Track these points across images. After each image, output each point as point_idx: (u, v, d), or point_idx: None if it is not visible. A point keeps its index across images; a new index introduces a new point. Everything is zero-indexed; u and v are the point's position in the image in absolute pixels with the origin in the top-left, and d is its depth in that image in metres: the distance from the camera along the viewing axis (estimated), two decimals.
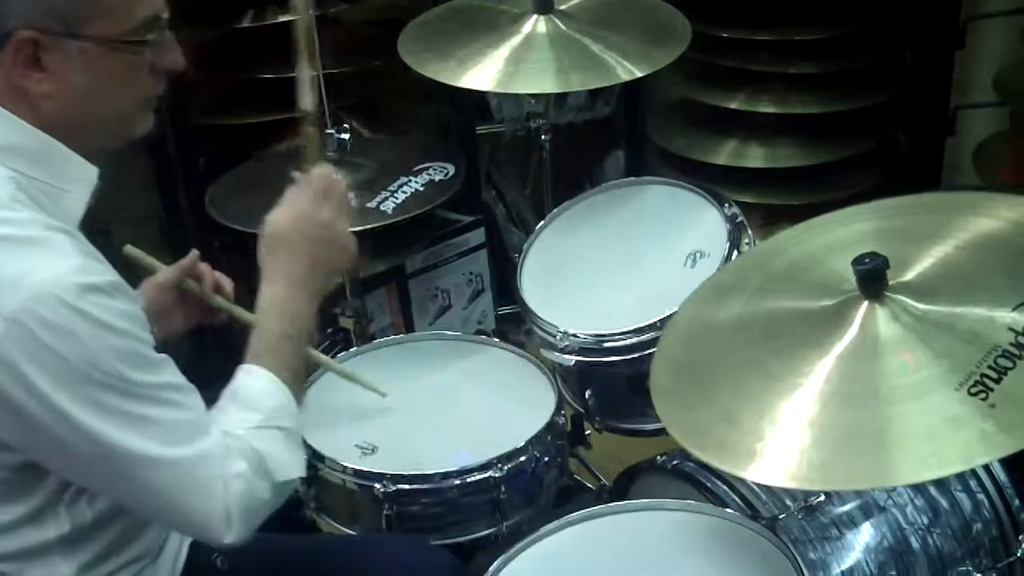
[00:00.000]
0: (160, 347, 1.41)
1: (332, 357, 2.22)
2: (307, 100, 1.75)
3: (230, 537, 1.38)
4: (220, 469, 1.38)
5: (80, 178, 1.42)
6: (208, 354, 3.04)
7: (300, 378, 1.55)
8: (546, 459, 1.99)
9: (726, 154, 3.05)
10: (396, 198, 2.34)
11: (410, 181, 2.40)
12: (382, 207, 2.31)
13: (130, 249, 1.82)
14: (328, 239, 1.62)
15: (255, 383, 1.50)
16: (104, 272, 1.34)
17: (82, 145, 1.41)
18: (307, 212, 1.62)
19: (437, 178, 2.43)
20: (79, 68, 1.36)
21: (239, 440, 1.42)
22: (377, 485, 1.91)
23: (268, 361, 1.51)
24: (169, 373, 1.39)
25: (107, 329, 1.30)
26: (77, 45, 1.35)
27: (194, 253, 1.87)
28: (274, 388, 1.49)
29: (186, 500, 1.37)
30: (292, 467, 1.46)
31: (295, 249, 1.59)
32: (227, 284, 1.89)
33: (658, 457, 1.95)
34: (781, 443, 1.34)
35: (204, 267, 1.87)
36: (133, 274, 1.51)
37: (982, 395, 1.26)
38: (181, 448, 1.36)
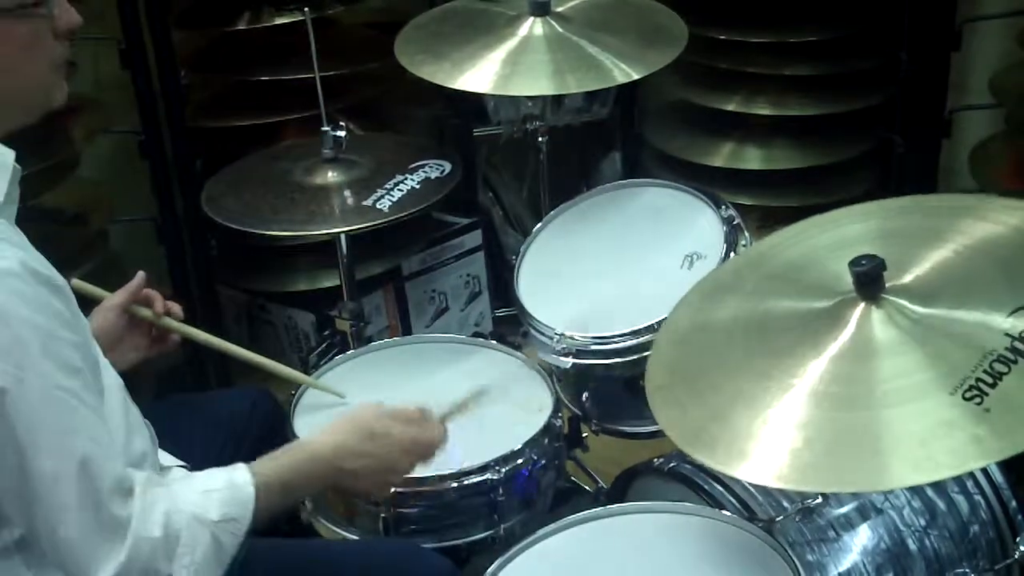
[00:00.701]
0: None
1: (329, 360, 2.22)
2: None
3: (101, 572, 1.34)
4: (116, 502, 1.35)
5: None
6: (203, 358, 3.04)
7: (266, 517, 1.51)
8: (543, 462, 1.99)
9: (723, 156, 3.05)
10: (392, 196, 2.33)
11: (406, 179, 2.39)
12: (378, 205, 2.31)
13: (77, 282, 1.80)
14: (382, 475, 1.65)
15: (234, 487, 1.47)
16: (19, 255, 1.31)
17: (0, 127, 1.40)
18: (400, 447, 1.65)
19: (433, 175, 2.42)
20: None
21: (176, 514, 1.40)
22: None
23: (259, 482, 1.49)
24: (85, 386, 1.36)
25: (17, 318, 1.27)
26: None
27: (140, 275, 1.86)
28: (242, 502, 1.46)
29: (57, 514, 1.33)
30: (194, 574, 1.40)
31: (362, 454, 1.61)
32: (177, 308, 1.89)
33: (655, 459, 1.95)
34: (773, 443, 1.34)
35: (153, 292, 1.86)
36: (84, 305, 1.49)
37: (977, 399, 1.26)
38: (69, 468, 1.32)
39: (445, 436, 1.74)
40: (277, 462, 1.54)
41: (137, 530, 1.36)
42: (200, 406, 1.70)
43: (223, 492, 1.46)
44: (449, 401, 1.90)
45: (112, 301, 1.83)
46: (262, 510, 1.48)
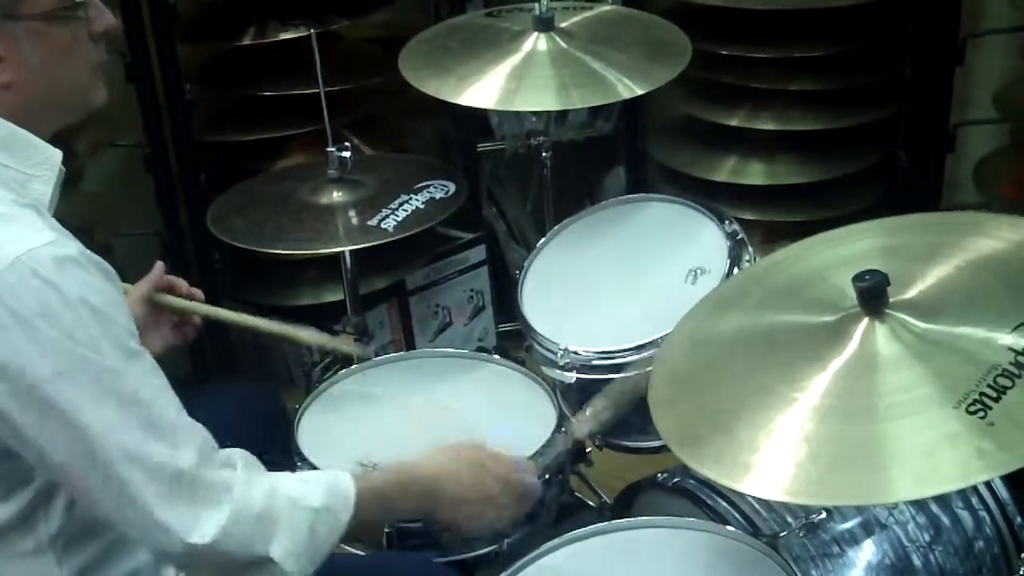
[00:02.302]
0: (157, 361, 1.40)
1: (333, 374, 2.22)
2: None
3: (195, 537, 1.34)
4: (206, 464, 1.36)
5: (45, 161, 1.42)
6: (208, 369, 3.05)
7: (359, 523, 1.50)
8: (547, 476, 1.99)
9: (727, 171, 3.06)
10: (397, 216, 2.34)
11: (411, 199, 2.40)
12: (383, 225, 2.31)
13: None
14: (475, 512, 1.63)
15: (335, 480, 1.49)
16: (76, 245, 1.34)
17: (44, 128, 1.42)
18: (498, 487, 1.64)
19: (438, 196, 2.43)
20: (30, 49, 1.37)
21: (276, 495, 1.40)
22: None
23: (360, 485, 1.50)
24: (147, 366, 1.37)
25: (82, 303, 1.29)
26: (22, 26, 1.36)
27: (159, 264, 1.87)
28: (343, 496, 1.47)
29: (141, 493, 1.33)
30: (290, 558, 1.40)
31: (463, 487, 1.61)
32: (198, 292, 1.90)
33: (659, 474, 1.95)
34: (777, 457, 1.34)
35: (173, 278, 1.87)
36: None
37: (980, 413, 1.26)
38: (154, 440, 1.33)
39: (539, 488, 1.74)
40: (378, 473, 1.57)
41: (237, 502, 1.36)
42: (202, 404, 1.69)
43: (325, 484, 1.47)
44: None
45: (135, 293, 1.84)
46: (360, 513, 1.48)
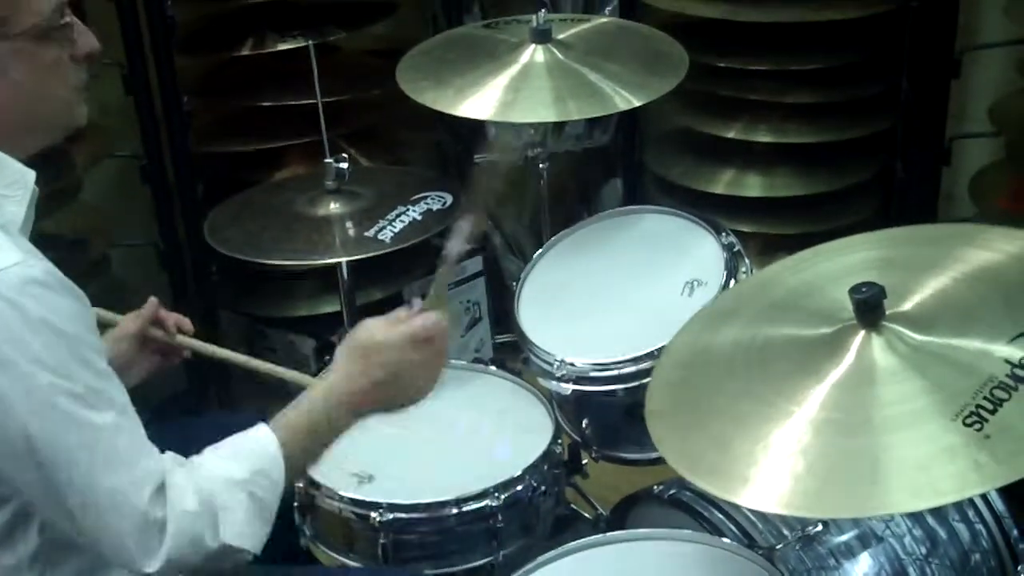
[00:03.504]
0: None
1: None
2: (454, 248, 1.73)
3: (151, 567, 1.35)
4: (155, 502, 1.36)
5: (18, 181, 1.41)
6: (204, 382, 3.04)
7: (299, 467, 1.53)
8: (543, 488, 1.99)
9: (723, 183, 3.06)
10: (394, 227, 2.34)
11: (408, 210, 2.40)
12: (380, 236, 2.31)
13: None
14: (402, 380, 1.59)
15: (257, 442, 1.48)
16: (43, 265, 1.33)
17: (24, 147, 1.42)
18: (397, 345, 1.58)
19: (435, 208, 2.43)
20: (15, 68, 1.37)
21: (206, 482, 1.41)
22: (373, 514, 1.91)
23: (282, 433, 1.49)
24: (114, 389, 1.37)
25: (46, 326, 1.29)
26: (9, 46, 1.36)
27: (153, 300, 1.87)
28: (269, 455, 1.47)
29: (105, 521, 1.34)
30: (244, 536, 1.42)
31: (367, 369, 1.57)
32: (186, 323, 1.89)
33: (655, 486, 1.94)
34: (774, 470, 1.34)
35: (163, 312, 1.86)
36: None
37: (977, 426, 1.26)
38: (114, 469, 1.33)
39: (439, 318, 1.63)
40: (294, 409, 1.53)
41: (174, 512, 1.37)
42: (200, 430, 1.69)
43: (246, 450, 1.47)
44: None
45: (127, 330, 1.83)
46: (294, 457, 1.48)
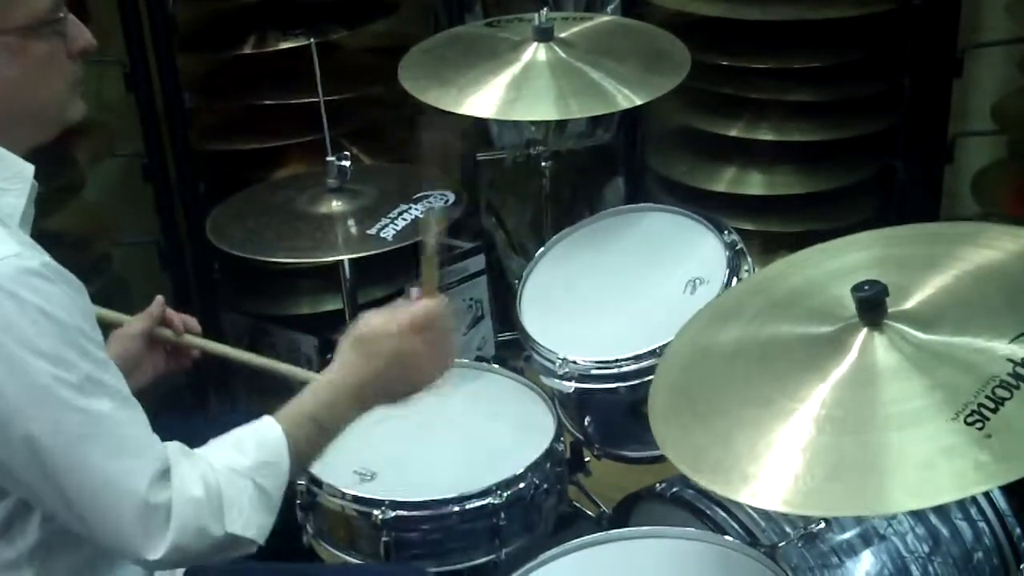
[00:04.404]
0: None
1: None
2: (431, 238, 1.71)
3: (154, 554, 1.35)
4: (157, 489, 1.35)
5: (17, 175, 1.41)
6: (206, 383, 3.04)
7: (304, 460, 1.52)
8: (545, 486, 1.99)
9: (725, 181, 3.06)
10: (396, 225, 2.34)
11: (410, 208, 2.40)
12: (382, 234, 2.32)
13: (95, 309, 1.80)
14: (405, 368, 1.58)
15: (262, 433, 1.48)
16: (40, 257, 1.33)
17: (20, 142, 1.42)
18: (396, 334, 1.57)
19: (437, 205, 2.43)
20: (8, 63, 1.37)
21: (212, 471, 1.40)
22: (376, 511, 1.91)
23: (287, 425, 1.49)
24: (113, 378, 1.37)
25: (43, 315, 1.29)
26: (2, 41, 1.36)
27: (159, 299, 1.86)
28: (275, 446, 1.47)
29: (104, 508, 1.34)
30: (249, 526, 1.41)
31: (369, 359, 1.56)
32: (193, 322, 1.89)
33: (657, 484, 1.94)
34: (776, 468, 1.34)
35: (169, 311, 1.86)
36: (101, 331, 1.50)
37: (978, 425, 1.26)
38: (113, 457, 1.33)
39: (443, 301, 1.63)
40: (298, 400, 1.53)
41: (179, 500, 1.36)
42: (200, 428, 1.69)
43: (251, 441, 1.46)
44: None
45: (133, 329, 1.83)
46: (299, 449, 1.48)
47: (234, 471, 1.42)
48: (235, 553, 1.43)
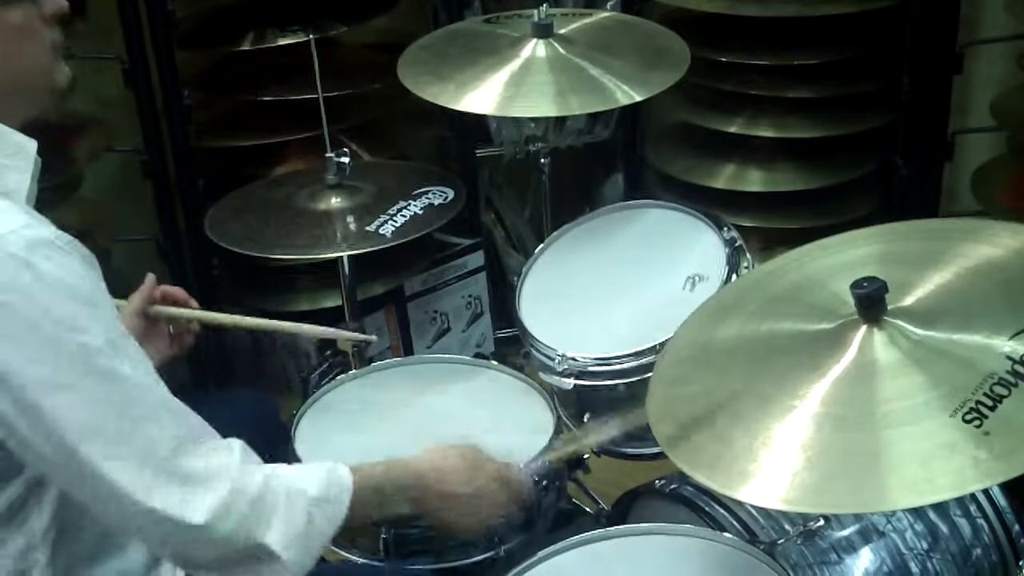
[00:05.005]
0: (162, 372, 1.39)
1: (331, 379, 2.22)
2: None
3: (198, 516, 1.32)
4: (186, 453, 1.33)
5: (18, 152, 1.40)
6: (206, 376, 3.05)
7: (355, 517, 1.49)
8: (544, 483, 1.99)
9: (725, 178, 3.06)
10: (395, 221, 2.34)
11: (409, 205, 2.40)
12: (381, 231, 2.31)
13: None
14: (473, 505, 1.62)
15: (334, 473, 1.48)
16: (51, 229, 1.32)
17: (13, 115, 1.41)
18: (492, 475, 1.64)
19: (436, 202, 2.43)
20: None
21: (276, 480, 1.40)
22: None
23: (358, 479, 1.49)
24: (133, 348, 1.35)
25: (60, 283, 1.28)
26: None
27: (150, 276, 1.86)
28: (340, 488, 1.47)
29: (126, 472, 1.30)
30: (287, 548, 1.38)
31: (455, 473, 1.60)
32: (190, 299, 1.89)
33: (657, 481, 1.94)
34: (775, 465, 1.34)
35: (165, 287, 1.86)
36: None
37: (976, 422, 1.26)
38: (136, 420, 1.31)
39: (531, 485, 1.74)
40: (373, 468, 1.54)
41: (234, 482, 1.35)
42: (199, 412, 1.70)
43: (322, 473, 1.46)
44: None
45: (129, 307, 1.83)
46: (356, 506, 1.47)
47: (295, 491, 1.41)
48: (261, 572, 1.39)
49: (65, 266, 1.30)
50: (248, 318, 1.96)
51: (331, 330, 2.10)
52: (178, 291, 1.90)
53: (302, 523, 1.40)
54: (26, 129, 1.42)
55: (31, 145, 1.42)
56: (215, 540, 1.35)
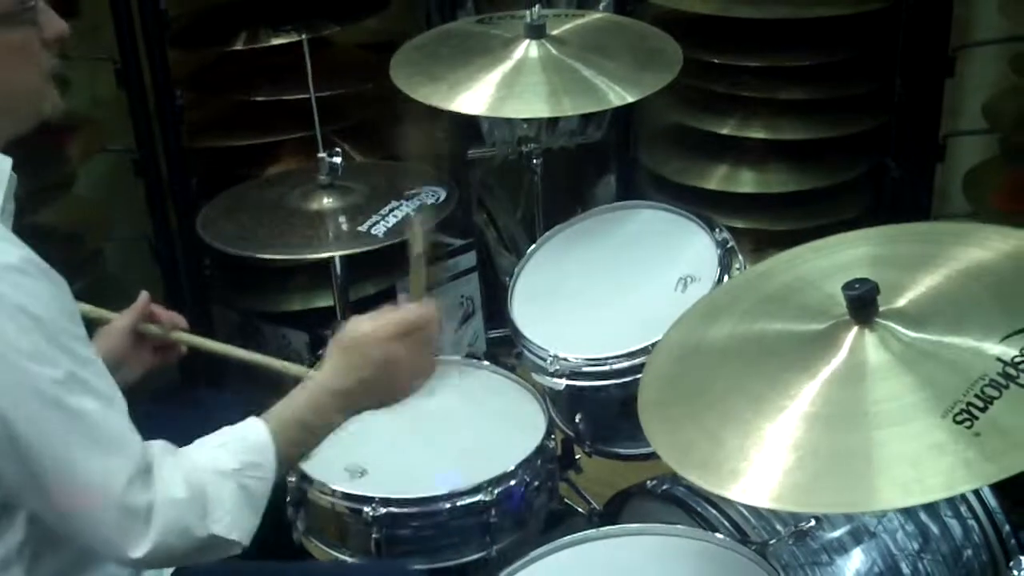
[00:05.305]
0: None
1: None
2: (417, 241, 1.72)
3: (136, 552, 1.34)
4: (136, 488, 1.34)
5: None
6: (196, 375, 3.04)
7: (289, 462, 1.53)
8: (536, 483, 1.99)
9: (717, 179, 3.06)
10: (387, 222, 2.34)
11: (401, 205, 2.40)
12: (373, 231, 2.32)
13: (80, 305, 1.80)
14: (390, 376, 1.57)
15: (248, 434, 1.48)
16: (19, 252, 1.31)
17: None
18: (382, 339, 1.56)
19: (428, 202, 2.44)
20: None
21: (196, 471, 1.40)
22: (366, 508, 1.91)
23: (274, 426, 1.49)
24: (96, 376, 1.36)
25: (23, 312, 1.27)
26: None
27: (144, 294, 1.86)
28: (260, 447, 1.46)
29: (83, 506, 1.33)
30: (233, 527, 1.41)
31: (354, 365, 1.55)
32: (181, 320, 1.88)
33: (648, 481, 1.95)
34: (766, 465, 1.34)
35: (157, 307, 1.86)
36: (87, 327, 1.48)
37: (967, 423, 1.26)
38: (93, 455, 1.32)
39: (431, 307, 1.63)
40: (285, 402, 1.53)
41: (162, 500, 1.36)
42: (192, 423, 1.69)
43: (237, 442, 1.46)
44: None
45: (119, 323, 1.82)
46: (285, 451, 1.48)
47: (219, 471, 1.41)
48: (221, 554, 1.42)
49: (30, 292, 1.29)
50: (236, 349, 1.95)
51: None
52: (172, 316, 1.88)
53: (236, 498, 1.41)
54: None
55: (6, 163, 1.41)
56: (165, 554, 1.37)
